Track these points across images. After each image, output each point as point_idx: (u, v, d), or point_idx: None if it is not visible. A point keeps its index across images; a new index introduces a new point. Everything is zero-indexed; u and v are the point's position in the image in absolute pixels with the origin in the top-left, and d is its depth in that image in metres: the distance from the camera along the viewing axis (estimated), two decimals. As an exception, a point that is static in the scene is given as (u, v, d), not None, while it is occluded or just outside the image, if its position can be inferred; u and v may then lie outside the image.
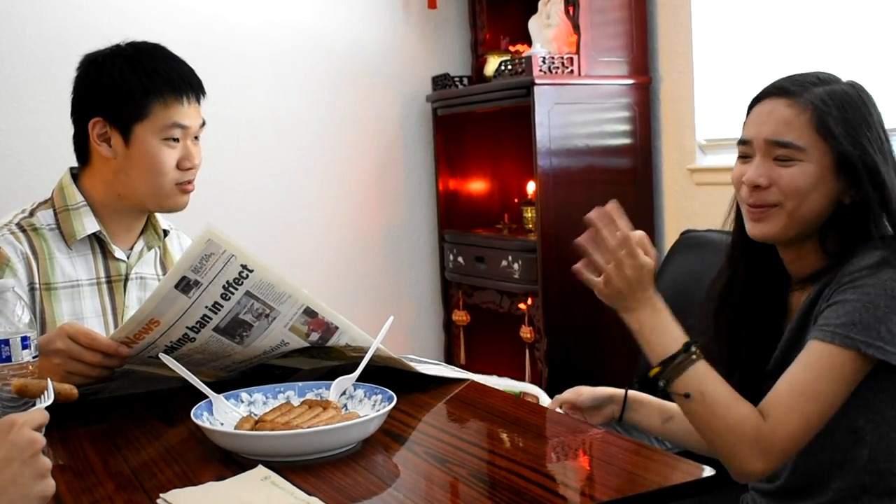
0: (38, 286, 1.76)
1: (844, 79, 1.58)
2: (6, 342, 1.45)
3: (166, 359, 1.47)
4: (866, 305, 1.42)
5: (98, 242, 1.85)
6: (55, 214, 1.83)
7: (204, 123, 1.88)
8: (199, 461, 1.31)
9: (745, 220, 1.58)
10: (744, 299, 1.66)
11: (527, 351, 3.27)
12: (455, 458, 1.29)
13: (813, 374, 1.43)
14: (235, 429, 1.34)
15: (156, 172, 1.80)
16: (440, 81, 3.63)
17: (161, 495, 1.14)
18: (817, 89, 1.52)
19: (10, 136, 3.06)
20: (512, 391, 1.76)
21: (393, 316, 1.69)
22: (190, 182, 1.85)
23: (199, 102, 1.86)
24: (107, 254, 1.85)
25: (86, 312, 1.82)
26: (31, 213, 1.83)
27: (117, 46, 1.84)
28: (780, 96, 1.54)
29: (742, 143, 1.57)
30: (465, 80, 3.63)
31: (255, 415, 1.41)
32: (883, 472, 1.50)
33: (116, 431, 1.45)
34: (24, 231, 1.79)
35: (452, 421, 1.48)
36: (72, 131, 1.87)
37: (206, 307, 1.46)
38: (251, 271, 1.46)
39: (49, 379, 1.40)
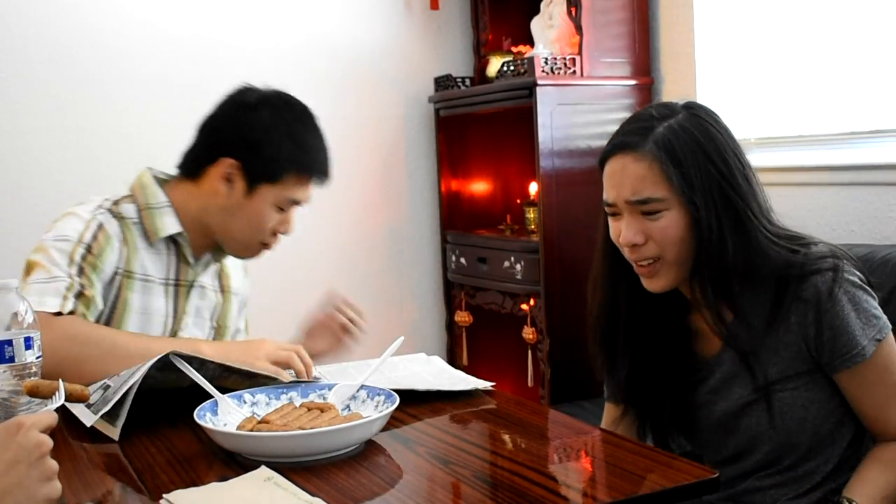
0: (121, 271, 1.80)
1: (680, 104, 1.57)
2: (9, 342, 1.45)
3: (176, 359, 1.47)
4: (849, 315, 1.48)
5: (174, 245, 1.87)
6: (138, 210, 1.85)
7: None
8: (202, 462, 1.31)
9: (641, 276, 1.57)
10: (640, 325, 1.64)
11: (529, 352, 3.27)
12: (458, 459, 1.29)
13: (891, 376, 1.50)
14: (237, 429, 1.34)
15: (255, 229, 1.84)
16: (442, 82, 3.63)
17: (164, 496, 1.14)
18: (656, 132, 1.51)
19: (13, 136, 3.06)
20: None
21: (403, 337, 1.72)
22: (273, 246, 1.92)
23: None
24: (181, 257, 1.88)
25: (152, 309, 1.86)
26: (116, 203, 1.86)
27: (267, 96, 1.86)
28: (625, 151, 1.52)
29: (607, 204, 1.56)
30: (468, 81, 3.62)
31: (258, 415, 1.42)
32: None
33: (119, 432, 1.45)
34: (115, 217, 1.83)
35: (455, 422, 1.48)
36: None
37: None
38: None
39: (61, 380, 1.40)
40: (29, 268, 1.77)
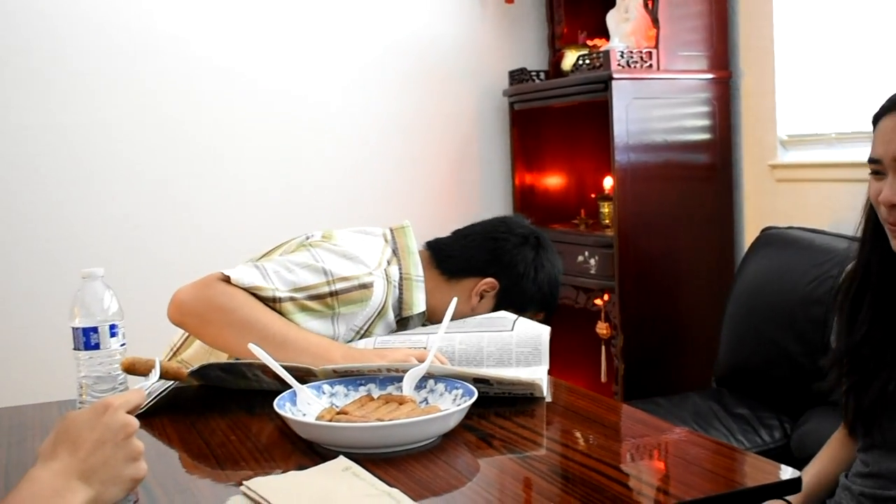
0: (363, 332, 1.81)
1: None
2: (94, 330, 1.49)
3: (255, 349, 1.49)
4: None
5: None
6: (400, 278, 1.87)
7: None
8: (281, 451, 1.33)
9: (890, 237, 1.52)
10: (888, 294, 1.58)
11: (603, 347, 3.25)
12: (534, 454, 1.29)
13: None
14: (316, 419, 1.35)
15: None
16: (517, 76, 3.62)
17: (244, 482, 1.15)
18: None
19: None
20: None
21: (456, 297, 1.75)
22: None
23: None
24: (402, 322, 1.90)
25: None
26: (389, 263, 1.87)
27: (536, 234, 1.99)
28: None
29: (872, 161, 1.52)
30: (542, 75, 3.62)
31: (336, 406, 1.43)
32: None
33: (201, 421, 1.48)
34: (385, 280, 1.83)
35: (530, 417, 1.48)
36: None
37: None
38: None
39: (157, 358, 1.43)
40: (268, 254, 1.85)
